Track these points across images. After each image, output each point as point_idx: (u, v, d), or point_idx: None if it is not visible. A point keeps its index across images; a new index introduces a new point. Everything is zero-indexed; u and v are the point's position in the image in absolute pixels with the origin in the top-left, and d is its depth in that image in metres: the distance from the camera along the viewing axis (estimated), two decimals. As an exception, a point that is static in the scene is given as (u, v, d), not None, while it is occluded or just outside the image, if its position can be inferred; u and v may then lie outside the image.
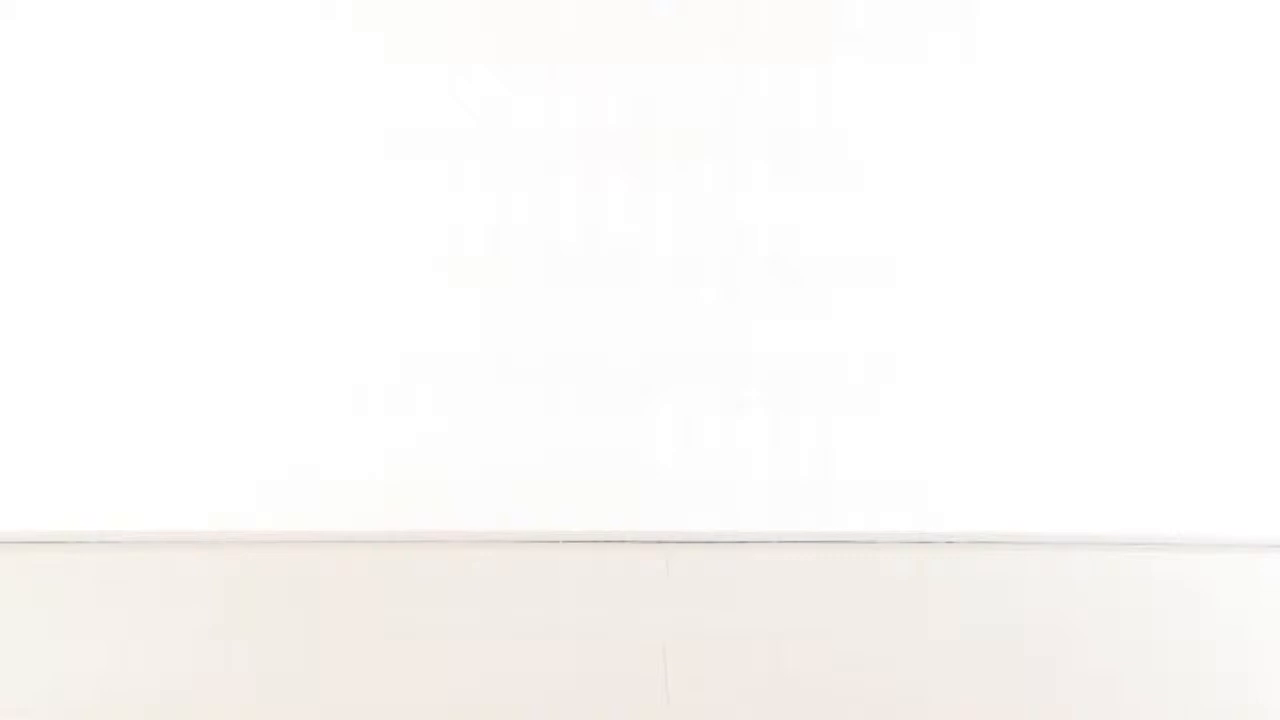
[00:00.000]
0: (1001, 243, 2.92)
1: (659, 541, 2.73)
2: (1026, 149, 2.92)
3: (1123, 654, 1.97)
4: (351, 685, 1.79)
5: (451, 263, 2.91)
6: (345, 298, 2.92)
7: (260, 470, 2.89)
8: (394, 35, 2.90)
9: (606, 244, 2.92)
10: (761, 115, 2.88)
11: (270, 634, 2.06)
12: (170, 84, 2.93)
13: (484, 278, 2.91)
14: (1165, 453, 2.87)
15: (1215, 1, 2.87)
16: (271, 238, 2.92)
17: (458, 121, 2.88)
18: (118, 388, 2.89)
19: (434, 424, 2.90)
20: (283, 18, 2.91)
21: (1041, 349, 2.89)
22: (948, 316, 2.90)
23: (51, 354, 2.89)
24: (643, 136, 2.89)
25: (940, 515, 2.81)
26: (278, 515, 2.87)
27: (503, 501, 2.86)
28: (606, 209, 2.91)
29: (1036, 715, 1.71)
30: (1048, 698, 1.76)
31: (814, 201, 2.88)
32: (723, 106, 2.90)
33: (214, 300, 2.90)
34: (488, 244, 2.92)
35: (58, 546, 2.77)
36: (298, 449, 2.89)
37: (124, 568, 2.66)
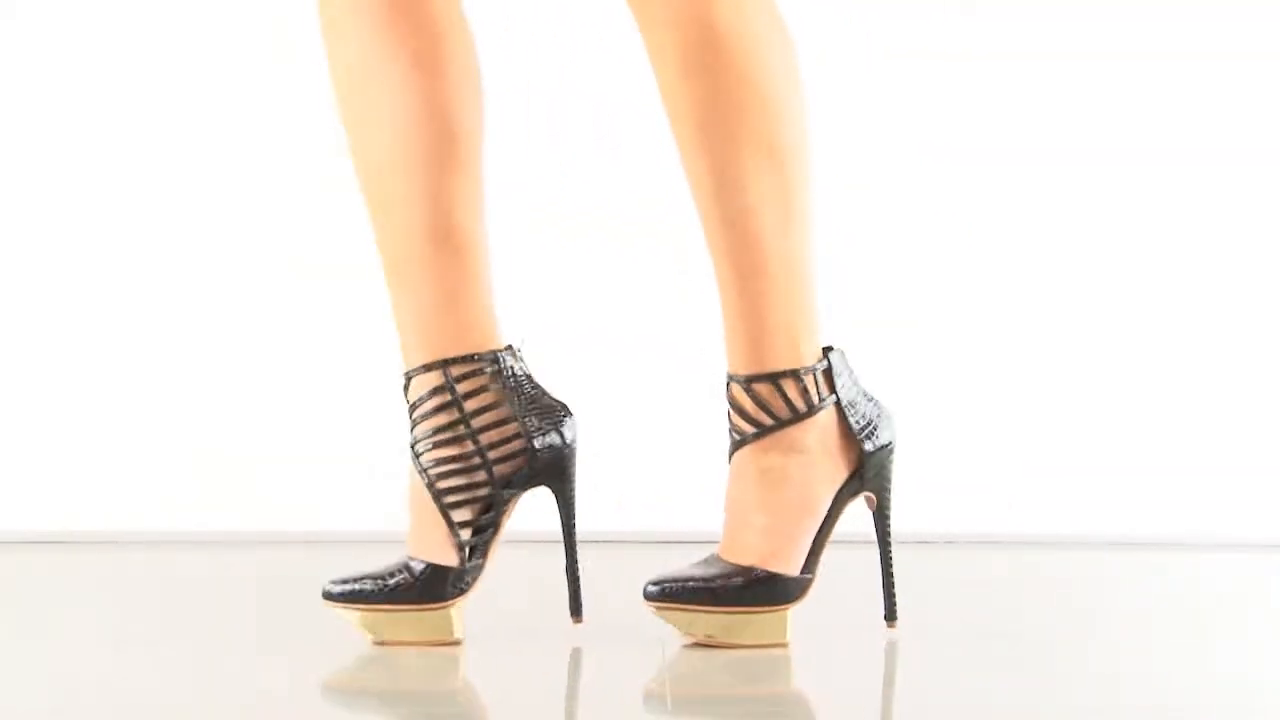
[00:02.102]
0: (1001, 237, 2.92)
1: (660, 542, 2.73)
2: (1033, 142, 2.92)
3: (1123, 654, 1.97)
4: (353, 687, 1.79)
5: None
6: (344, 298, 2.92)
7: (260, 470, 2.88)
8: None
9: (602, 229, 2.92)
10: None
11: (270, 634, 2.06)
12: (170, 85, 2.93)
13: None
14: (1166, 453, 2.87)
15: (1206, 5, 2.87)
16: (270, 238, 2.92)
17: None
18: (117, 388, 2.89)
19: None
20: (283, 17, 2.91)
21: (1041, 348, 2.89)
22: (945, 314, 2.90)
23: (51, 354, 2.89)
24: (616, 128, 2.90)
25: (940, 515, 2.81)
26: (278, 515, 2.87)
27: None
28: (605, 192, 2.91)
29: (1036, 716, 1.71)
30: (1048, 698, 1.76)
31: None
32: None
33: (215, 301, 2.90)
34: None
35: (58, 546, 2.77)
36: (298, 449, 2.89)
37: (124, 568, 2.66)
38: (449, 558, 1.97)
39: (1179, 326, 2.90)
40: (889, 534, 1.97)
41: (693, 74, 1.89)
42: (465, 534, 1.97)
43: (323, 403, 2.89)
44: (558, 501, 2.00)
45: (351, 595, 1.98)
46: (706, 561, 1.96)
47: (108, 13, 2.91)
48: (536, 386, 2.00)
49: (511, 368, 1.99)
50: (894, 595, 1.96)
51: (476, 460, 1.97)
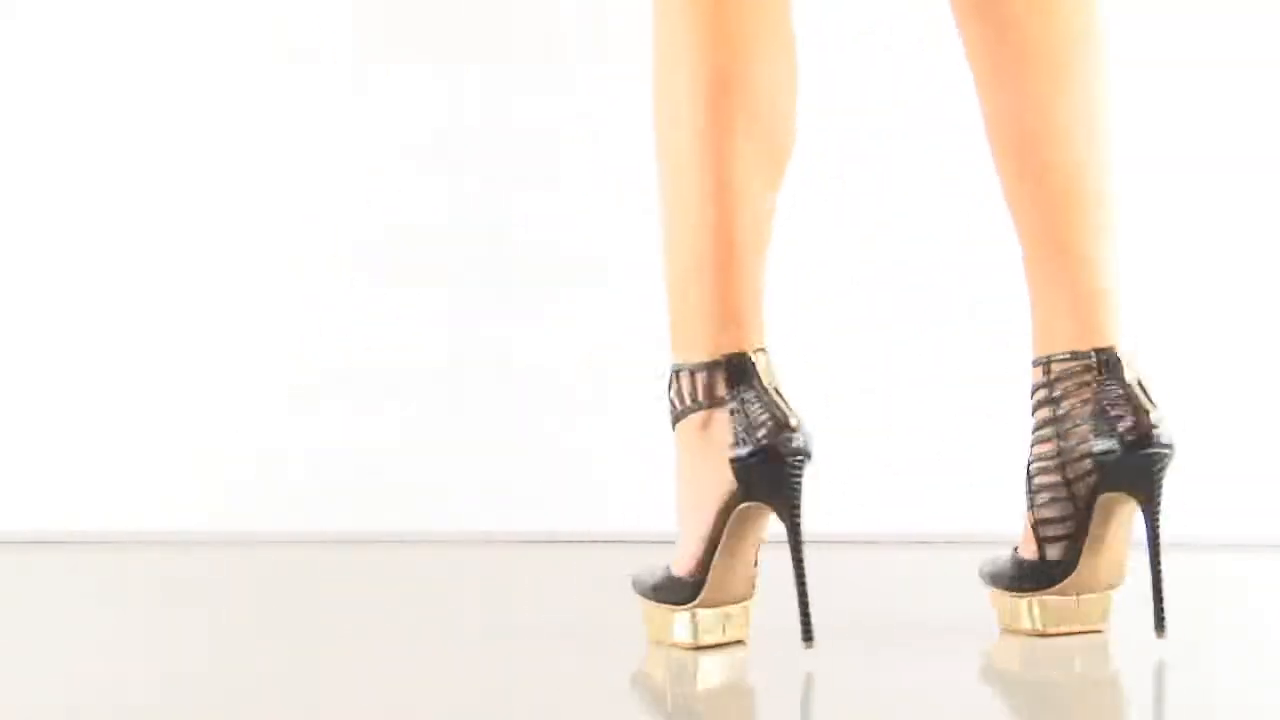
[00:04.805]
0: (1003, 237, 2.91)
1: (661, 542, 2.72)
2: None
3: (1123, 654, 1.97)
4: (352, 686, 1.79)
5: (419, 261, 2.92)
6: (344, 298, 2.92)
7: (260, 470, 2.89)
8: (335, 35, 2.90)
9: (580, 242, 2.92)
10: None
11: (270, 634, 2.06)
12: (168, 86, 2.93)
13: (453, 275, 2.91)
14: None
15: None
16: (271, 238, 2.92)
17: (418, 123, 2.89)
18: (117, 388, 2.89)
19: (436, 422, 2.90)
20: (282, 17, 2.91)
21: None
22: (946, 313, 2.90)
23: (51, 354, 2.89)
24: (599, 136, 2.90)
25: (941, 515, 2.81)
26: (278, 515, 2.87)
27: (503, 502, 2.86)
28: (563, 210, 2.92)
29: (1035, 715, 1.71)
30: (1047, 698, 1.76)
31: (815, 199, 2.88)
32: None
33: (215, 301, 2.90)
34: (457, 243, 2.92)
35: (58, 547, 2.77)
36: (298, 449, 2.89)
37: (124, 568, 2.66)
38: (1030, 553, 1.99)
39: (1179, 327, 2.90)
40: (799, 554, 1.90)
41: None
42: (1048, 531, 1.98)
43: (323, 403, 2.89)
44: (1144, 513, 1.99)
45: None
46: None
47: (108, 13, 2.91)
48: (1133, 391, 2.00)
49: (1098, 366, 2.00)
50: (809, 615, 1.90)
51: (1062, 460, 1.98)
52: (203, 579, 2.56)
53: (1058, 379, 2.00)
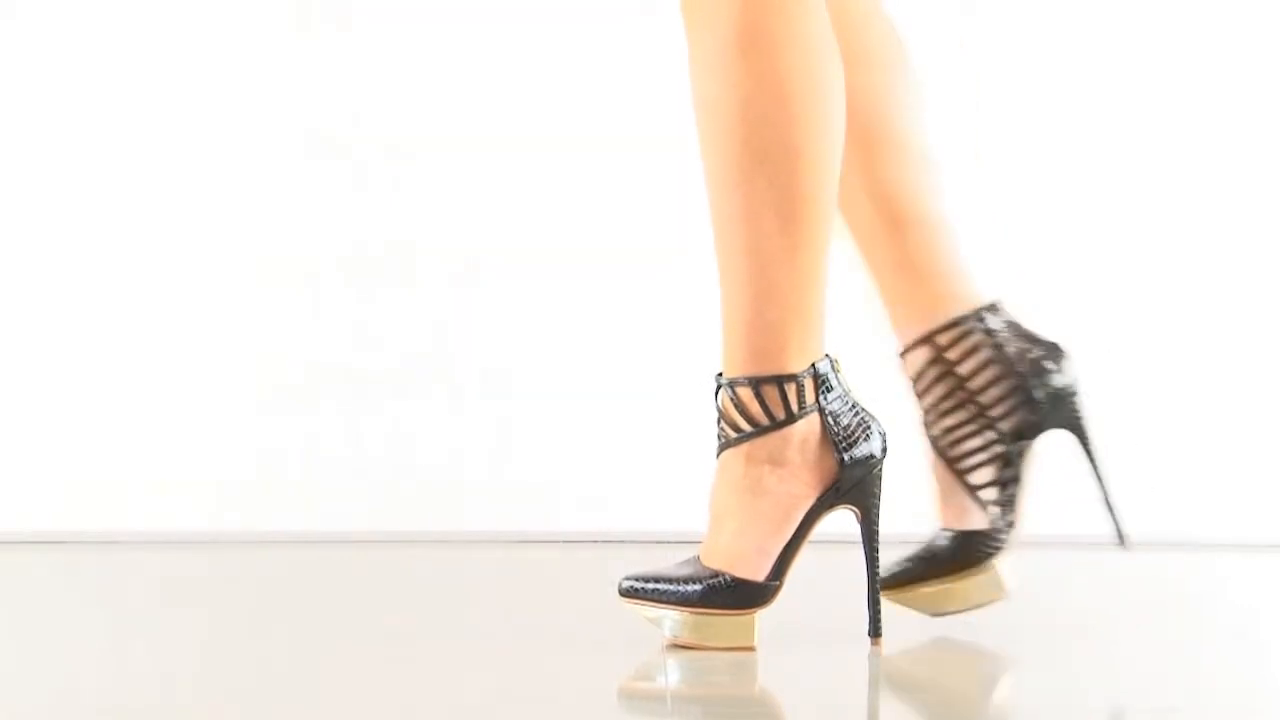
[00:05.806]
0: (998, 236, 2.92)
1: (661, 542, 2.73)
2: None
3: (1123, 654, 1.97)
4: (352, 686, 1.79)
5: (407, 262, 2.92)
6: (342, 299, 2.92)
7: (260, 470, 2.89)
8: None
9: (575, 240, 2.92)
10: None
11: (270, 634, 2.06)
12: (166, 87, 2.93)
13: (452, 276, 2.91)
14: (1165, 453, 2.87)
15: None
16: (266, 239, 2.93)
17: (419, 123, 2.89)
18: (117, 388, 2.89)
19: (437, 422, 2.91)
20: (281, 18, 2.91)
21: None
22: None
23: (51, 354, 2.89)
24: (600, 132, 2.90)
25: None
26: (277, 515, 2.87)
27: (503, 502, 2.86)
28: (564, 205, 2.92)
29: (1034, 716, 1.71)
30: (1046, 699, 1.77)
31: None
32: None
33: (216, 301, 2.91)
34: (456, 243, 2.92)
35: (58, 546, 2.78)
36: (296, 448, 2.90)
37: (124, 568, 2.66)
38: (979, 521, 2.01)
39: (1179, 326, 2.90)
40: (875, 548, 1.96)
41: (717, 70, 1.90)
42: (990, 494, 2.00)
43: (322, 403, 2.89)
44: (1082, 439, 2.03)
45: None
46: (686, 562, 1.96)
47: (105, 16, 2.91)
48: (1025, 334, 2.02)
49: (988, 323, 2.01)
50: (878, 611, 1.95)
51: (982, 421, 2.00)
52: (202, 579, 2.56)
53: (948, 347, 2.01)
